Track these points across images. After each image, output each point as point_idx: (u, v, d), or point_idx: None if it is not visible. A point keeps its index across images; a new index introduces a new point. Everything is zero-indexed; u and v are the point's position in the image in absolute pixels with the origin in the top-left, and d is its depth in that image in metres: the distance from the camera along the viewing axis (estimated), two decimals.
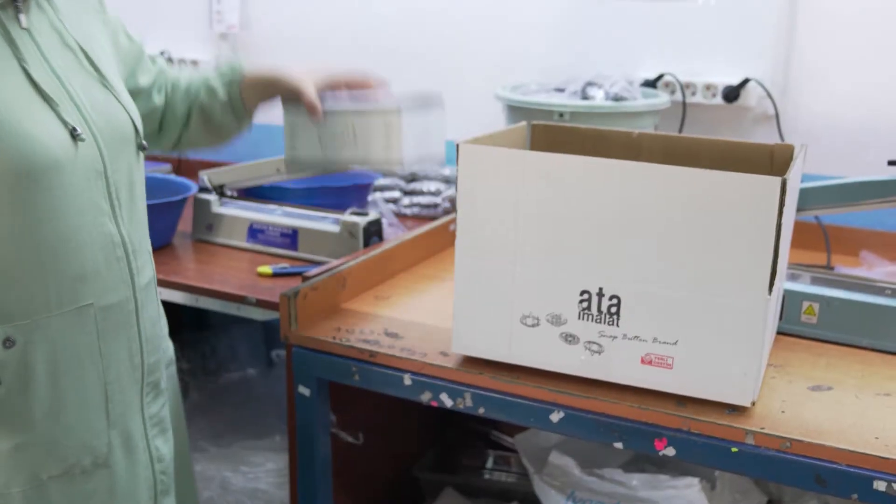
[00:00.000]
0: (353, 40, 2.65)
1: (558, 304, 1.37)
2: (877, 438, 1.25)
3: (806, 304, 1.58)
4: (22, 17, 1.25)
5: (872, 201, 1.60)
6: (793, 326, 1.59)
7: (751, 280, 1.26)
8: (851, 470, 1.22)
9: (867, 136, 2.10)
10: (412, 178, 2.46)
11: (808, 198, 1.66)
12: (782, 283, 1.52)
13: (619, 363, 1.36)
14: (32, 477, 1.27)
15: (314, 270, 1.70)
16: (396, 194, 2.43)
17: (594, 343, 1.37)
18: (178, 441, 1.54)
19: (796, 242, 2.10)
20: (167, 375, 1.51)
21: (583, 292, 1.36)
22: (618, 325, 1.35)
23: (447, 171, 2.44)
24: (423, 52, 2.57)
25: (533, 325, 1.40)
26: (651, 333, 1.33)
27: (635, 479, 1.98)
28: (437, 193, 2.41)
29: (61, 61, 1.29)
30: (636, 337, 1.34)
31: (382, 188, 2.43)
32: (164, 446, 1.46)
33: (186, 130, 1.67)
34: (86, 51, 1.34)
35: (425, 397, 1.49)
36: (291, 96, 1.64)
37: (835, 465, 1.23)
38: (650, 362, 1.34)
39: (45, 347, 1.25)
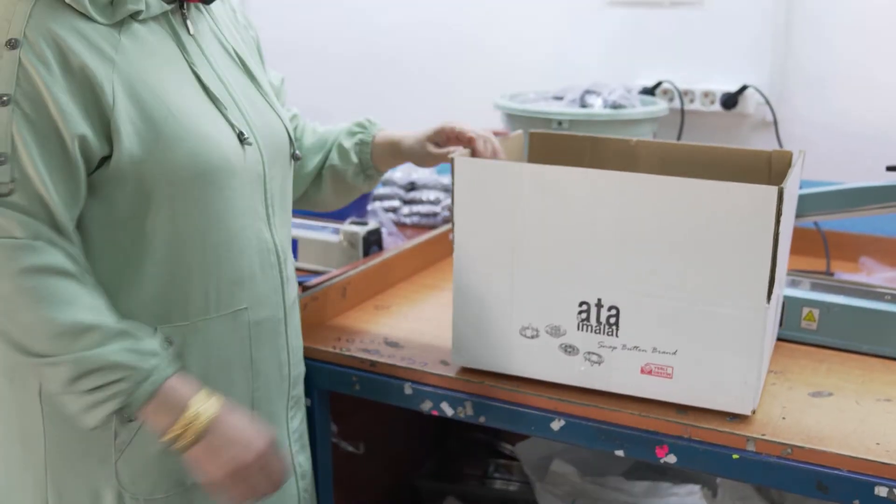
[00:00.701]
0: (354, 50, 2.66)
1: (557, 315, 1.38)
2: (878, 444, 1.25)
3: (806, 311, 1.58)
4: (189, 23, 1.26)
5: (871, 207, 1.61)
6: (793, 333, 1.59)
7: (749, 289, 1.26)
8: (853, 476, 1.22)
9: (865, 141, 2.10)
10: (411, 186, 2.46)
11: (807, 204, 1.66)
12: (782, 291, 1.53)
13: (619, 373, 1.36)
14: (177, 483, 1.28)
15: (314, 280, 1.71)
16: (396, 203, 2.43)
17: (594, 353, 1.37)
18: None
19: (796, 249, 2.10)
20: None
21: (581, 303, 1.36)
22: (617, 336, 1.35)
23: (446, 180, 2.44)
24: (423, 63, 2.57)
25: (532, 337, 1.40)
26: (650, 343, 1.33)
27: (637, 487, 1.98)
28: (436, 202, 2.40)
29: (223, 67, 1.30)
30: (636, 347, 1.34)
31: (382, 197, 2.43)
32: (306, 463, 1.47)
33: (317, 191, 1.57)
34: (242, 58, 1.35)
35: (426, 406, 1.49)
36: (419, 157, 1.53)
37: (836, 472, 1.23)
38: (650, 372, 1.34)
39: (200, 351, 1.26)
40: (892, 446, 1.24)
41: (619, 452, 1.36)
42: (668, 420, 1.32)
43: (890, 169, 1.62)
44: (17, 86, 1.09)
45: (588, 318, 1.36)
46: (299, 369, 1.44)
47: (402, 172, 2.50)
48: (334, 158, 1.54)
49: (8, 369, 1.24)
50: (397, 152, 1.53)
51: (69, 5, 1.12)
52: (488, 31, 2.47)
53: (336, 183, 1.55)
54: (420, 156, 1.51)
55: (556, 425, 1.39)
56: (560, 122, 1.97)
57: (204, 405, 1.17)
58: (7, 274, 1.10)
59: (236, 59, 1.34)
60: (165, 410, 1.16)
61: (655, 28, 2.26)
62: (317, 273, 1.90)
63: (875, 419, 1.32)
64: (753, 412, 1.32)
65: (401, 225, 2.38)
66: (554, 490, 2.01)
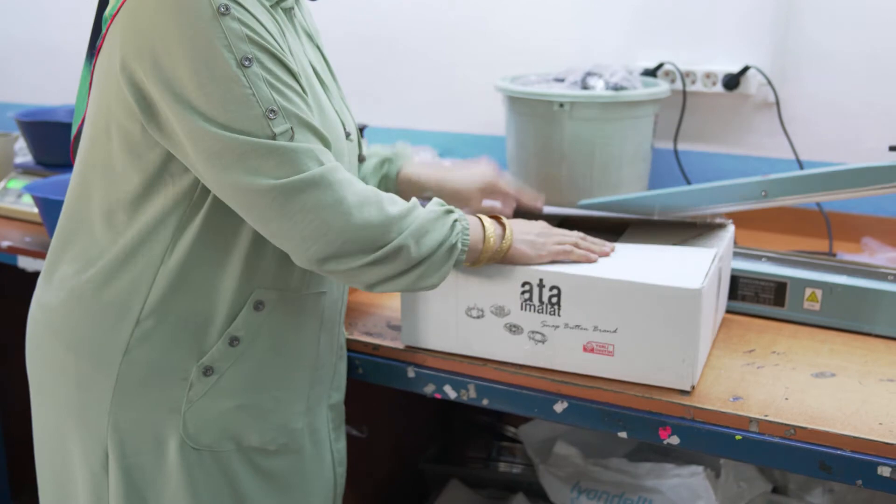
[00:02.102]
0: (353, 33, 2.65)
1: (501, 296, 1.41)
2: (881, 424, 1.25)
3: (809, 291, 1.58)
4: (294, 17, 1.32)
5: (874, 187, 1.60)
6: (796, 313, 1.59)
7: (682, 271, 1.32)
8: (856, 456, 1.22)
9: (868, 122, 2.10)
10: None
11: (810, 184, 1.66)
12: (724, 265, 1.52)
13: (563, 351, 1.39)
14: (236, 442, 1.33)
15: None
16: None
17: (538, 332, 1.40)
18: None
19: (798, 229, 2.11)
20: None
21: (524, 283, 1.38)
22: (559, 315, 1.38)
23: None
24: (424, 45, 2.57)
25: (478, 317, 1.43)
26: (591, 322, 1.36)
27: (640, 468, 1.98)
28: None
29: (317, 63, 1.35)
30: (577, 326, 1.37)
31: None
32: (343, 450, 1.52)
33: None
34: (325, 57, 1.41)
35: (429, 389, 1.49)
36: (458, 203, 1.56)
37: (839, 452, 1.23)
38: (592, 350, 1.37)
39: (284, 321, 1.32)
40: (895, 426, 1.24)
41: (622, 434, 1.36)
42: (670, 401, 1.32)
43: (893, 149, 1.61)
44: (251, 43, 1.14)
45: (531, 298, 1.39)
46: (344, 359, 1.51)
47: None
48: None
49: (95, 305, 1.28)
50: (429, 194, 1.58)
51: None
52: (489, 12, 2.46)
53: None
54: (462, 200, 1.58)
55: (560, 407, 1.39)
56: (562, 105, 1.96)
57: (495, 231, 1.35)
58: (328, 197, 1.17)
59: (322, 56, 1.39)
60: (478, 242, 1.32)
61: (656, 8, 2.25)
62: None
63: (878, 399, 1.33)
64: (693, 388, 1.34)
65: None
66: (557, 472, 2.01)
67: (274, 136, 1.14)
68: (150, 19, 1.13)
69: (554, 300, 1.37)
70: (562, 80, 2.12)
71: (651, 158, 2.13)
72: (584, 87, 2.06)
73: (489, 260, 1.35)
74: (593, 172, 2.00)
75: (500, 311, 1.42)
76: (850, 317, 1.56)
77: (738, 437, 1.29)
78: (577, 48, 2.33)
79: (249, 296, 1.28)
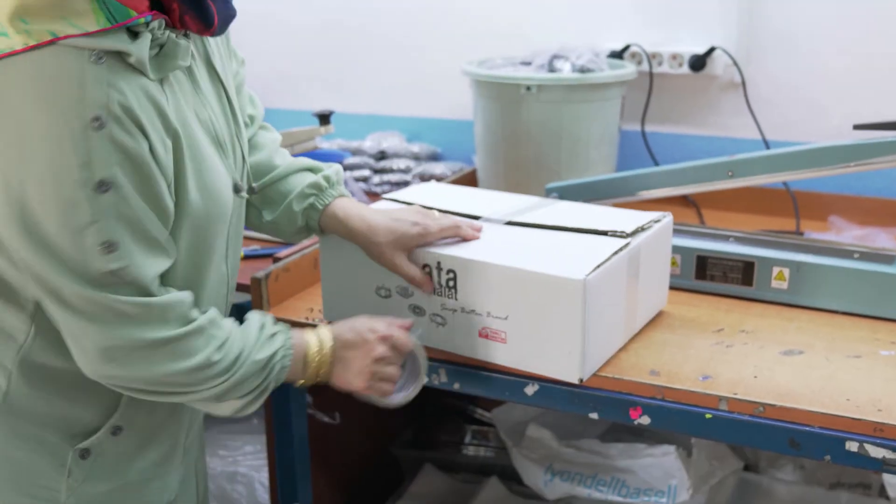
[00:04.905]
0: (319, 18, 2.64)
1: None
2: (848, 400, 1.26)
3: (776, 270, 1.59)
4: (193, 48, 1.18)
5: (839, 166, 1.61)
6: (764, 292, 1.60)
7: (567, 262, 1.31)
8: (824, 432, 1.23)
9: (833, 101, 2.11)
10: (381, 155, 2.45)
11: (776, 164, 1.67)
12: (653, 254, 1.49)
13: (461, 335, 1.40)
14: None
15: (285, 251, 1.70)
16: (366, 173, 2.42)
17: (438, 315, 1.41)
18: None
19: (765, 209, 2.12)
20: None
21: (424, 266, 1.39)
22: (456, 299, 1.38)
23: (416, 149, 2.44)
24: (391, 29, 2.55)
25: (386, 297, 1.45)
26: (485, 308, 1.37)
27: (613, 449, 1.99)
28: (406, 171, 2.40)
29: (214, 101, 1.23)
30: (473, 311, 1.38)
31: (352, 167, 2.42)
32: (205, 462, 1.49)
33: (259, 228, 1.49)
34: (228, 92, 1.27)
35: None
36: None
37: (807, 428, 1.24)
38: (487, 336, 1.38)
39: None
40: (862, 401, 1.25)
41: (594, 415, 1.36)
42: (640, 381, 1.33)
43: (857, 128, 1.62)
44: (118, 166, 1.03)
45: (431, 281, 1.40)
46: None
47: (372, 142, 2.49)
48: (281, 218, 1.44)
49: None
50: (350, 235, 1.43)
51: (130, 65, 1.04)
52: None
53: (278, 234, 1.49)
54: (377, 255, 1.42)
55: (530, 390, 1.39)
56: (528, 88, 1.96)
57: (320, 338, 1.27)
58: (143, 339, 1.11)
59: (224, 91, 1.26)
60: (298, 364, 1.26)
61: None
62: (287, 244, 1.89)
63: (845, 375, 1.34)
64: (581, 381, 1.33)
65: (371, 194, 2.38)
66: (530, 454, 2.02)
67: (101, 271, 1.05)
68: (15, 113, 1.01)
69: (451, 283, 1.38)
70: (528, 64, 2.12)
71: (618, 140, 2.14)
72: (551, 69, 2.06)
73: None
74: (561, 155, 2.00)
75: (404, 292, 1.43)
76: (817, 295, 1.57)
77: (708, 416, 1.29)
78: (543, 31, 2.33)
79: None
